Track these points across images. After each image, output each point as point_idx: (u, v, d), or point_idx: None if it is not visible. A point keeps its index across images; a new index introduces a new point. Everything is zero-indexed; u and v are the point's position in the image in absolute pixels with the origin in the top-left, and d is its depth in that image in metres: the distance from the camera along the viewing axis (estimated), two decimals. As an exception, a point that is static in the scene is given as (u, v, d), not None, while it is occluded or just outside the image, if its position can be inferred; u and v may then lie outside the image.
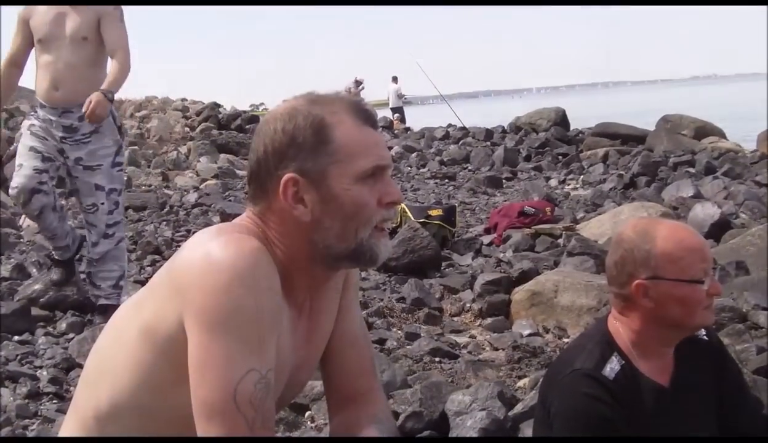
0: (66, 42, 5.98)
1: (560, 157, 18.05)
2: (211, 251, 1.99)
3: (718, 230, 8.81)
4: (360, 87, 28.69)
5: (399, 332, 6.37)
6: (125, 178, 8.28)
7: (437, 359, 5.67)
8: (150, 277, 2.29)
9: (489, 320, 6.79)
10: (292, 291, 2.15)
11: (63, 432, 2.31)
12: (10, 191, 6.05)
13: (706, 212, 9.13)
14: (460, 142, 21.05)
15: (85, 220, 6.27)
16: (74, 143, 6.06)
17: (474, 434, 4.12)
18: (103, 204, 6.12)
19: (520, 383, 5.20)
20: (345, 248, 2.10)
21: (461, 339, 6.40)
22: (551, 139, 19.96)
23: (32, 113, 6.22)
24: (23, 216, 9.57)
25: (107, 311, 5.89)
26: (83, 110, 5.85)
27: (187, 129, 22.10)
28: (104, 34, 6.04)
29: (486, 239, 9.80)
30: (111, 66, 6.12)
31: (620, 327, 2.74)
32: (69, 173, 6.15)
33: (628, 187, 13.23)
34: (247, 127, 21.94)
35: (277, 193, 2.08)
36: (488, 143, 20.80)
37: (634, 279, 2.66)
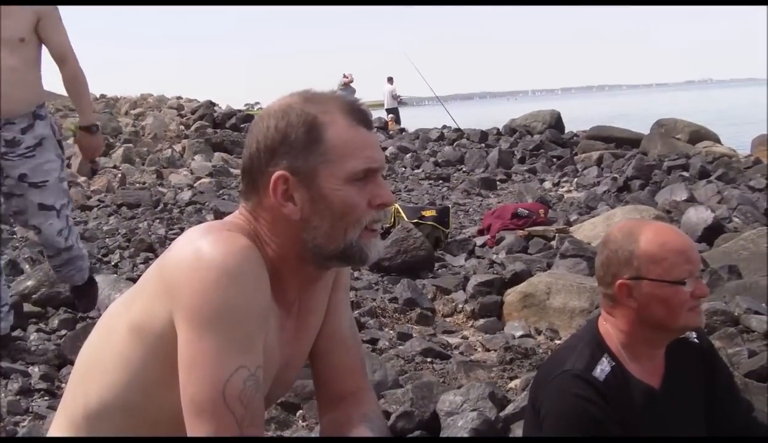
0: (0, 45, 5.34)
1: (554, 160, 18.07)
2: (200, 249, 2.00)
3: (711, 234, 8.84)
4: (350, 80, 28.66)
5: (391, 332, 6.38)
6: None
7: (429, 359, 5.68)
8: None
9: (481, 321, 6.81)
10: (281, 290, 2.16)
11: (52, 430, 2.31)
12: None
13: (700, 216, 9.15)
14: (455, 144, 21.03)
15: (35, 234, 5.91)
16: (17, 158, 5.49)
17: (465, 434, 4.12)
18: (51, 224, 5.64)
19: (512, 384, 5.22)
20: (334, 248, 2.11)
21: (453, 340, 6.41)
22: (546, 142, 19.98)
23: None
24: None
25: (82, 291, 6.02)
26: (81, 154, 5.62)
27: (182, 127, 22.10)
28: (46, 35, 5.55)
29: (479, 240, 9.82)
30: (68, 81, 5.78)
31: (610, 329, 2.75)
32: (11, 193, 5.58)
33: (621, 190, 13.26)
34: (242, 126, 21.93)
35: (268, 189, 2.08)
36: (483, 145, 20.78)
37: (618, 278, 2.69)
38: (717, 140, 19.11)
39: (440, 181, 15.91)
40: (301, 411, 4.70)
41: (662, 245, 2.65)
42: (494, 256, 8.80)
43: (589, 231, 9.40)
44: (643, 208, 10.34)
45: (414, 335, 6.26)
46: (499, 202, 12.81)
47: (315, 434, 4.24)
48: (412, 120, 32.32)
